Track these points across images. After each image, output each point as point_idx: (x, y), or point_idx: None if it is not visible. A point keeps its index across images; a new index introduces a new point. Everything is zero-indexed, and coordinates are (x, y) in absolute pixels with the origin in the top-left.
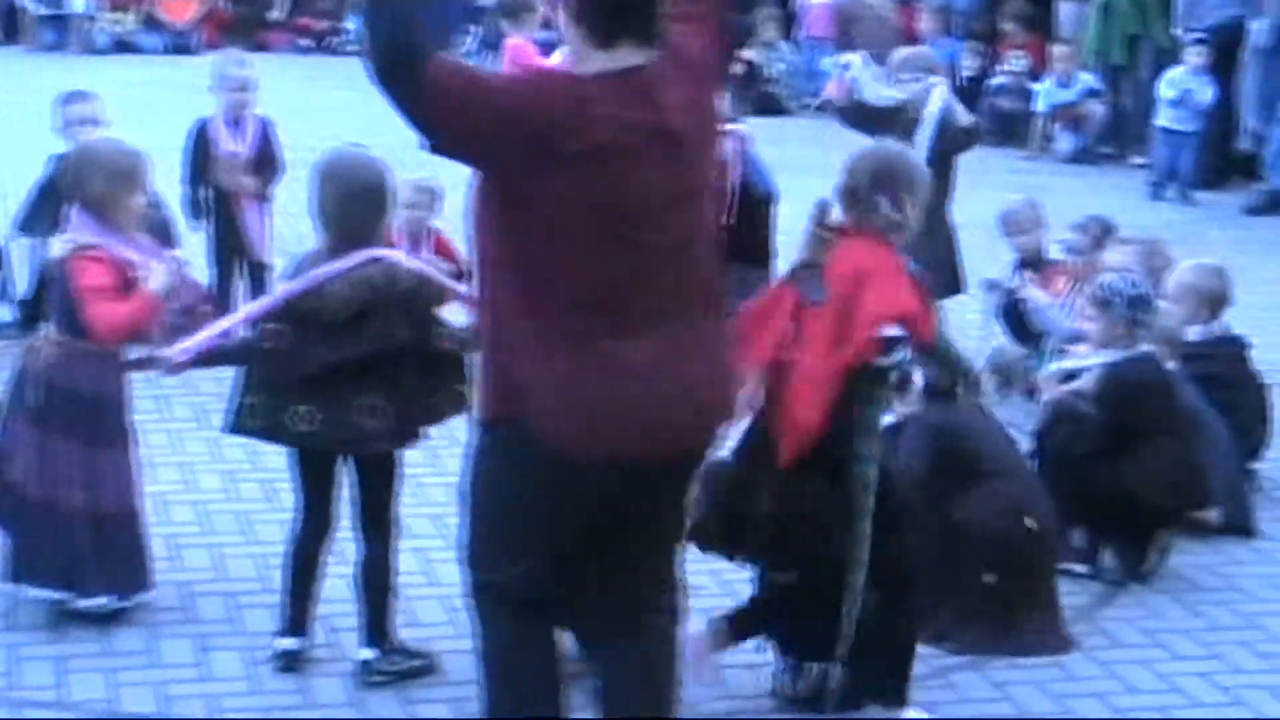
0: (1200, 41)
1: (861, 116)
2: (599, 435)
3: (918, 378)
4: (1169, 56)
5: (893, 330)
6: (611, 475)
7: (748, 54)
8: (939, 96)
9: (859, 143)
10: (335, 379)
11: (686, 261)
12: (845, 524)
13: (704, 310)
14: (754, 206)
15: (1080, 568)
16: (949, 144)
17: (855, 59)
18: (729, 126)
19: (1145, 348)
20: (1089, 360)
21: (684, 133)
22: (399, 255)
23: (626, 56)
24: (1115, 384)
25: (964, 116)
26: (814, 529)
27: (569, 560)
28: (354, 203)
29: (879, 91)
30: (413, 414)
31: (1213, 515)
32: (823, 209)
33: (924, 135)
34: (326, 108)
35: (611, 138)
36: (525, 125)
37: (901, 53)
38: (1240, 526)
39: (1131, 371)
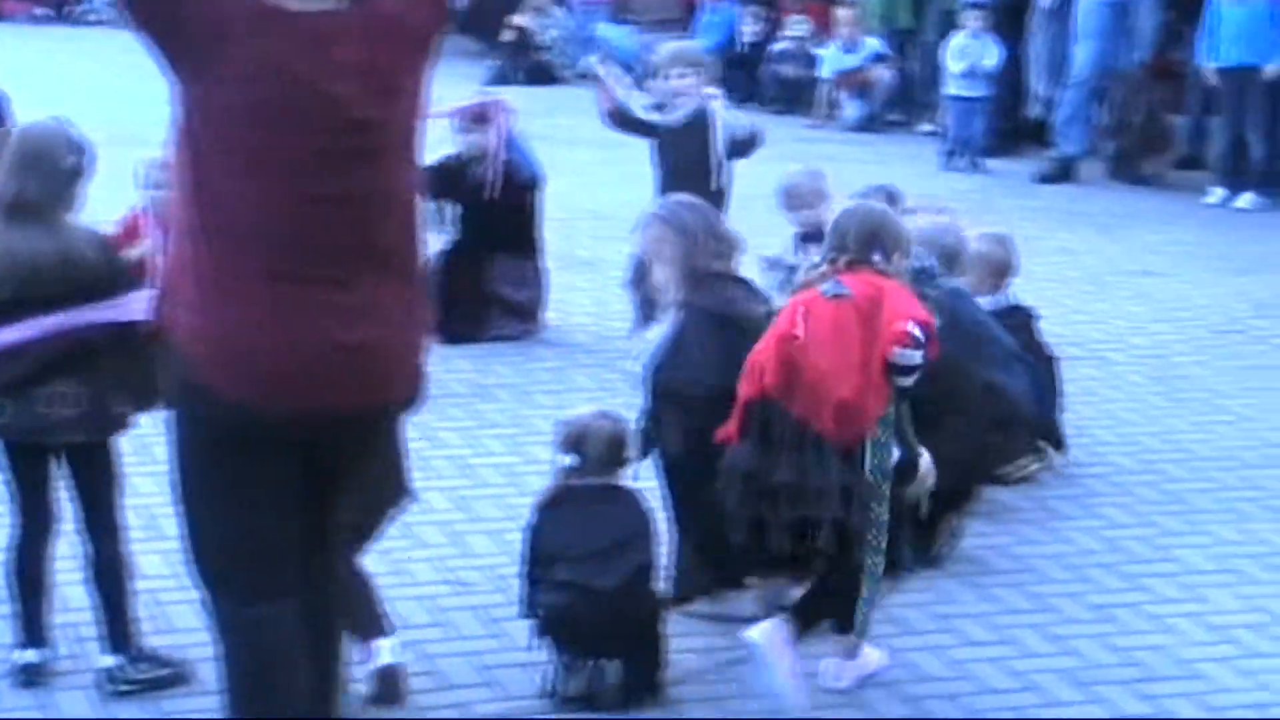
0: (976, 5)
1: (629, 125)
2: (262, 383)
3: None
4: (956, 20)
5: (918, 331)
6: (290, 428)
7: (519, 20)
8: (719, 113)
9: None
10: (15, 366)
11: (361, 220)
12: (863, 503)
13: (383, 271)
14: (518, 192)
15: None
16: (732, 154)
17: (603, 70)
18: (494, 98)
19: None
20: None
21: (346, 92)
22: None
23: (310, 1)
24: None
25: (742, 128)
26: (835, 498)
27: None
28: (27, 173)
29: (640, 105)
30: (110, 401)
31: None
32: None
33: (713, 154)
34: (65, 81)
35: (266, 74)
36: (196, 20)
37: (667, 49)
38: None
39: None
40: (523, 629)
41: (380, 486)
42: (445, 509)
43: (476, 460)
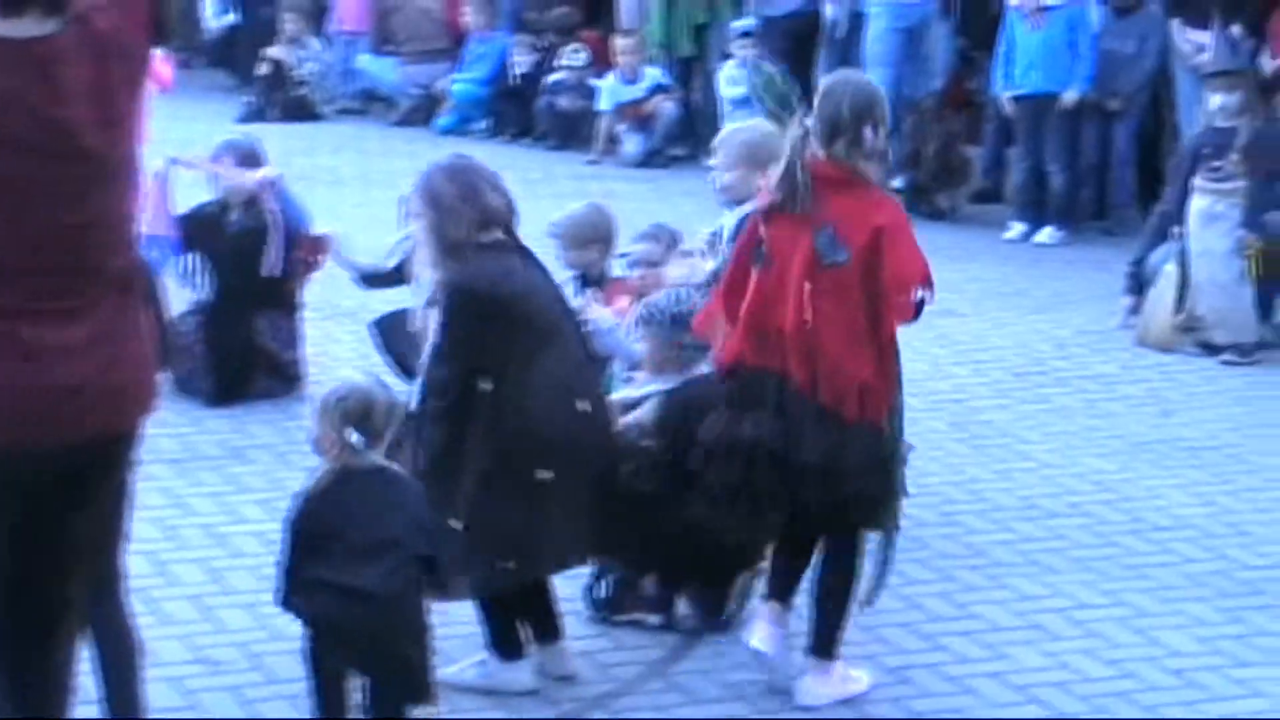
0: (745, 34)
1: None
2: None
3: None
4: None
5: (925, 294)
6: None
7: (274, 52)
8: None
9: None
10: None
11: (83, 245)
12: (886, 470)
13: (104, 298)
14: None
15: (653, 618)
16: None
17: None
18: (262, 173)
19: (705, 369)
20: (647, 388)
21: (77, 118)
22: None
23: (30, 26)
24: (674, 412)
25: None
26: (862, 472)
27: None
28: None
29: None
30: None
31: None
32: (804, 139)
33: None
34: None
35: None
36: None
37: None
38: None
39: (692, 397)
40: (280, 709)
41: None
42: (196, 581)
43: (230, 528)
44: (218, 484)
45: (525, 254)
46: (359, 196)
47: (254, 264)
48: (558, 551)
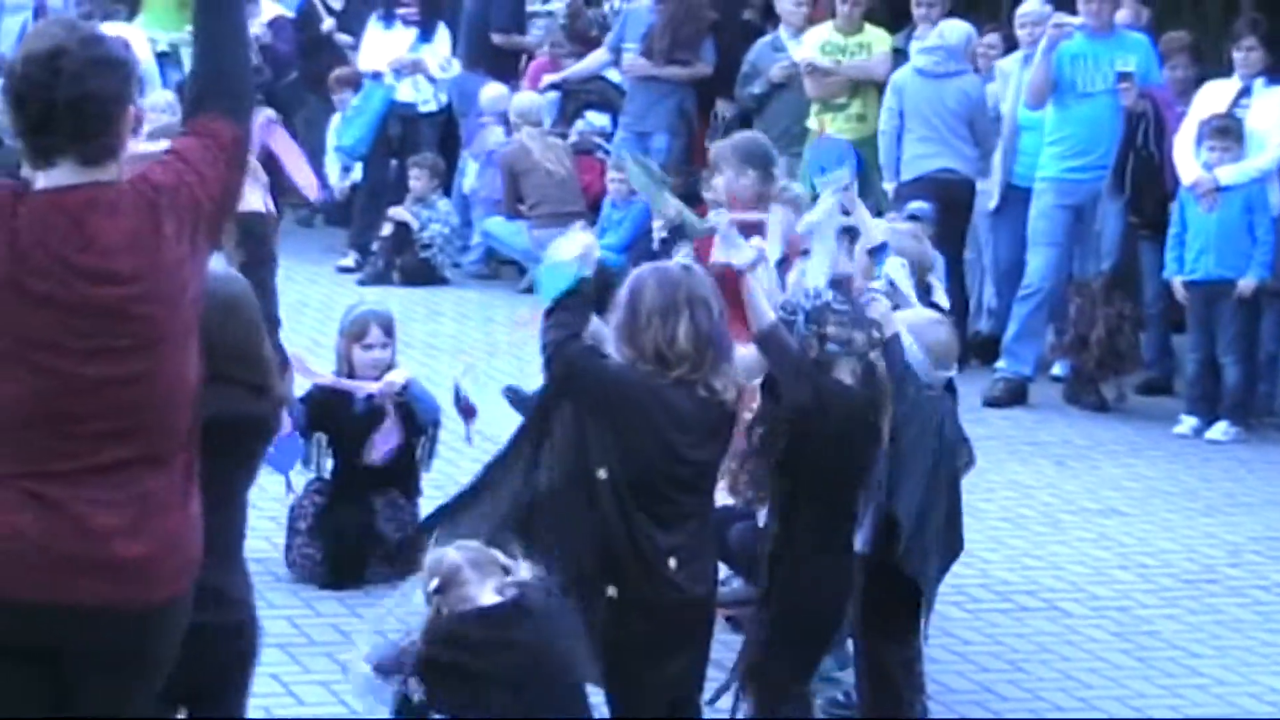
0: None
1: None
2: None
3: None
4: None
5: None
6: (9, 618)
7: (397, 213)
8: None
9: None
10: None
11: (141, 403)
12: None
13: (159, 461)
14: (412, 434)
15: None
16: None
17: None
18: (387, 379)
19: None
20: None
21: (112, 269)
22: None
23: (66, 175)
24: None
25: None
26: None
27: None
28: None
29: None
30: None
31: None
32: None
33: None
34: None
35: (17, 253)
36: None
37: None
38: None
39: None
40: None
41: None
42: None
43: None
44: (327, 670)
45: None
46: (483, 367)
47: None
48: None
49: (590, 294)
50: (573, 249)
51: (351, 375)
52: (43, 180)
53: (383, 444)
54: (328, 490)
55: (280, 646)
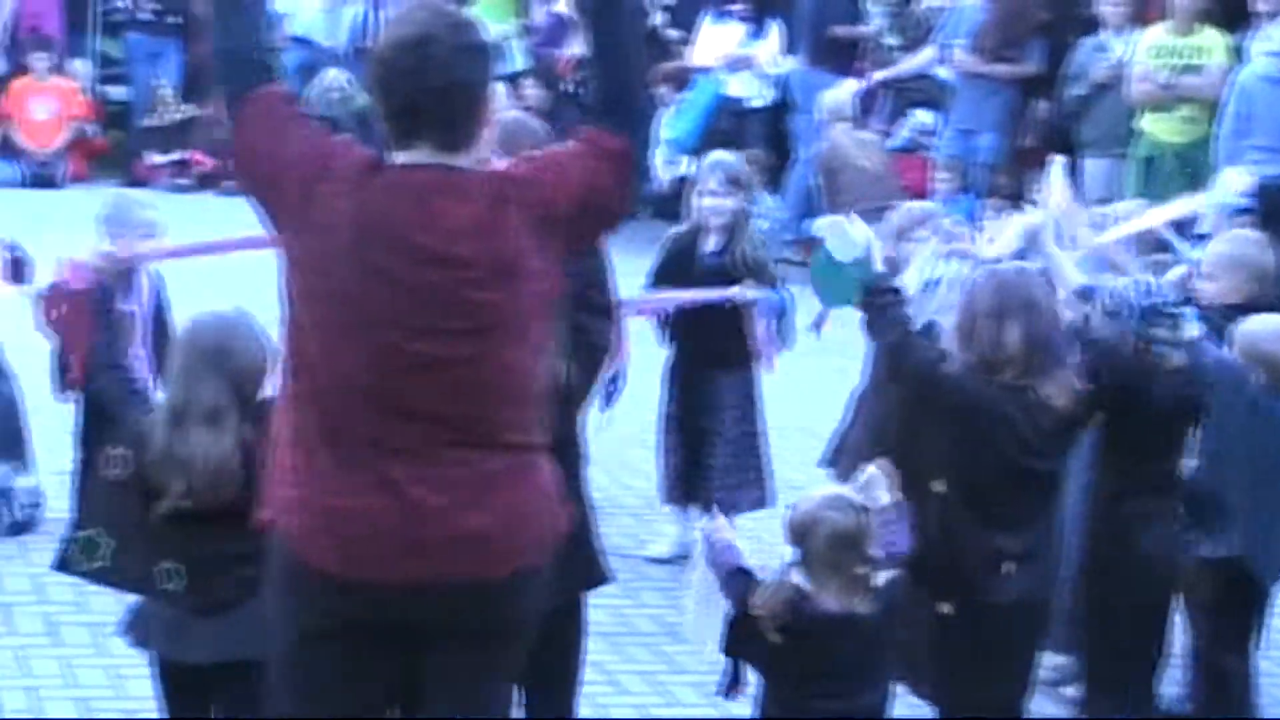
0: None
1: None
2: (340, 549)
3: None
4: None
5: None
6: (361, 598)
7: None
8: None
9: None
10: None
11: (470, 386)
12: None
13: (492, 444)
14: None
15: None
16: None
17: None
18: None
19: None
20: None
21: (448, 251)
22: None
23: (422, 156)
24: None
25: None
26: None
27: None
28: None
29: None
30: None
31: None
32: None
33: None
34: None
35: (361, 222)
36: (299, 166)
37: None
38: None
39: None
40: None
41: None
42: None
43: (662, 710)
44: (650, 662)
45: None
46: (813, 364)
47: None
48: None
49: (898, 290)
50: (860, 231)
51: None
52: (401, 158)
53: None
54: None
55: (604, 636)
